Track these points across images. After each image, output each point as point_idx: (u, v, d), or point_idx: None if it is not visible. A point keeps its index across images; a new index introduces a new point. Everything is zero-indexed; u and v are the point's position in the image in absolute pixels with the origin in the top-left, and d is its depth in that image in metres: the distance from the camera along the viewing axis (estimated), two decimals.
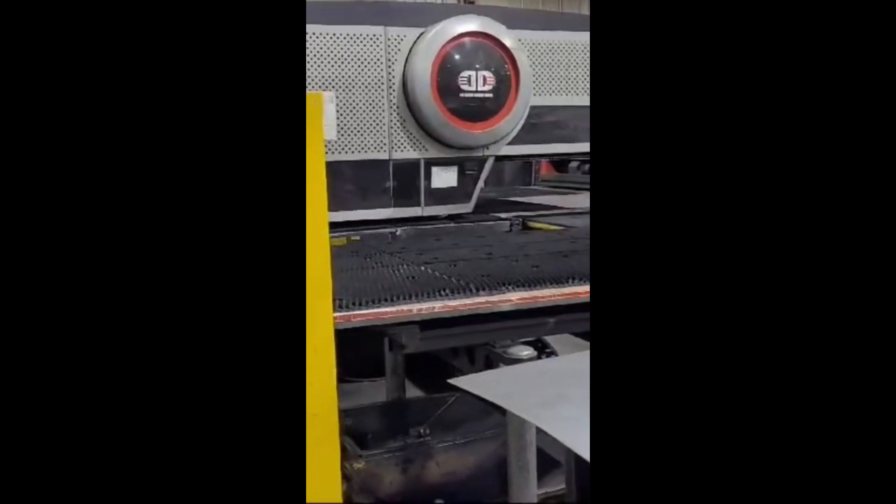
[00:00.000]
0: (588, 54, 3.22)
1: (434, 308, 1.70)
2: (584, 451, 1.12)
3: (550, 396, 1.26)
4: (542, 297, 1.84)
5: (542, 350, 1.97)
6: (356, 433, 2.51)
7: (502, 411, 2.13)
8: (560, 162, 5.20)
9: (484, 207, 3.34)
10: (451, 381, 1.41)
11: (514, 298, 1.80)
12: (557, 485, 2.09)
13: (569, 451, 1.23)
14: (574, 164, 5.16)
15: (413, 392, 3.13)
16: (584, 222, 3.15)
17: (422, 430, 2.49)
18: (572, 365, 1.54)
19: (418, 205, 3.00)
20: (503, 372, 1.67)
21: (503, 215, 3.25)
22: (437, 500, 2.33)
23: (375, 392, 3.08)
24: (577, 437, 1.17)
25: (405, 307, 1.69)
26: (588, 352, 1.85)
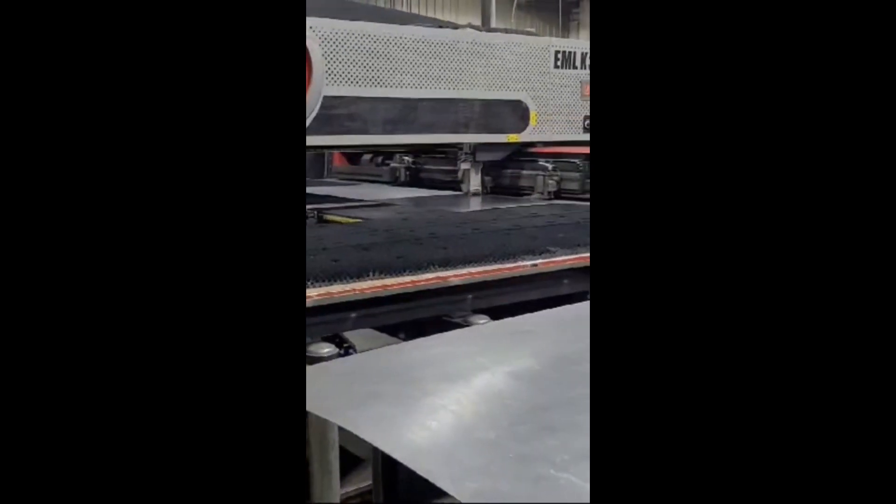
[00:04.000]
0: (387, 45, 3.20)
1: None
2: (396, 451, 1.09)
3: (360, 395, 1.22)
4: (343, 292, 1.79)
5: (341, 346, 1.92)
6: None
7: None
8: (353, 154, 5.15)
9: None
10: None
11: (313, 294, 1.74)
12: (360, 482, 2.06)
13: (375, 450, 1.20)
14: (367, 157, 5.14)
15: None
16: (382, 214, 3.14)
17: None
18: (382, 360, 1.52)
19: None
20: (308, 372, 1.60)
21: None
22: None
23: None
24: (389, 437, 1.15)
25: None
26: (398, 345, 1.86)
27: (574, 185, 3.84)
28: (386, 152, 4.84)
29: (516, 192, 4.06)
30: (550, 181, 3.89)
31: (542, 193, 3.92)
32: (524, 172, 4.05)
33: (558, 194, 3.88)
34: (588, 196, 3.73)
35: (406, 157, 4.81)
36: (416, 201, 3.81)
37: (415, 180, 4.78)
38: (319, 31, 2.99)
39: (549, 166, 3.92)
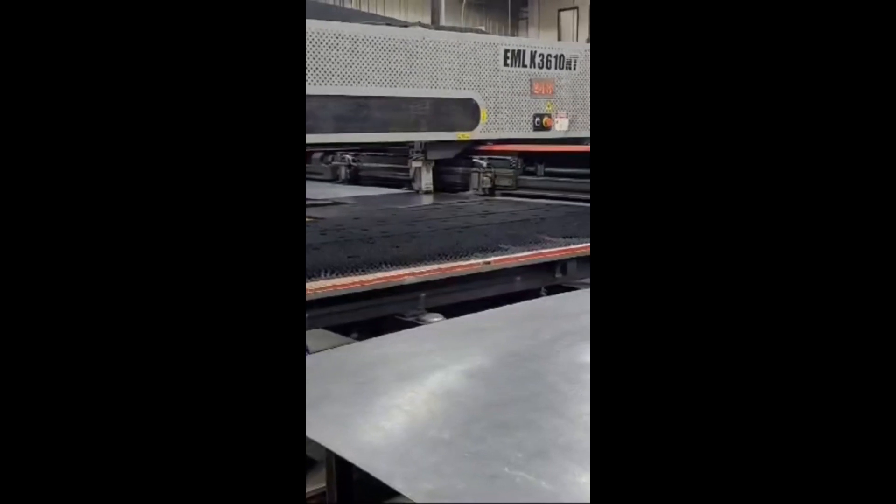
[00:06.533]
0: (336, 43, 3.17)
1: None
2: (350, 453, 1.08)
3: (313, 396, 1.21)
4: None
5: None
6: None
7: None
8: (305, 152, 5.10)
9: None
10: None
11: None
12: (314, 484, 2.03)
13: (329, 451, 1.19)
14: (318, 155, 5.09)
15: None
16: (332, 213, 3.11)
17: None
18: (335, 361, 1.50)
19: None
20: None
21: None
22: None
23: None
24: (342, 438, 1.13)
25: None
26: (351, 345, 1.84)
27: (507, 182, 3.91)
28: (339, 150, 4.82)
29: (452, 188, 4.10)
30: (485, 178, 3.95)
31: (476, 190, 3.98)
32: (459, 170, 4.09)
33: (492, 191, 3.94)
34: (521, 192, 3.83)
35: (347, 156, 4.81)
36: (365, 199, 3.79)
37: (355, 178, 4.78)
38: None
39: (484, 164, 3.97)
